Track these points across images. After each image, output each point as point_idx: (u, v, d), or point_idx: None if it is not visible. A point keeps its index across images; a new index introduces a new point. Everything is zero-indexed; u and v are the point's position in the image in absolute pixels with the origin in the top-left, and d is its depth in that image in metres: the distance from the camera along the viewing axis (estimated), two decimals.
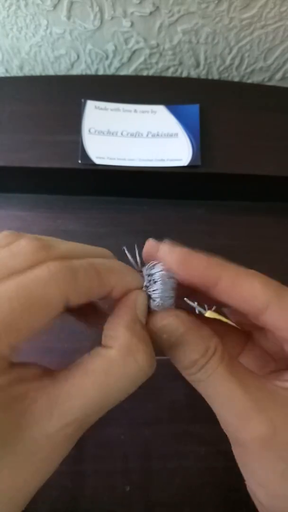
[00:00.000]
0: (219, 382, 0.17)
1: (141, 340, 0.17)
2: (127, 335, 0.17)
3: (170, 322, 0.17)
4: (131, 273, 0.19)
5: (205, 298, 0.19)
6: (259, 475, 0.17)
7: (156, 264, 0.19)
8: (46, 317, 0.15)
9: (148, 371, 0.17)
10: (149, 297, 0.18)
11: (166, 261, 0.18)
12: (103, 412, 0.16)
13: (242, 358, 0.22)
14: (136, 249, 0.19)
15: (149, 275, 0.19)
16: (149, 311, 0.18)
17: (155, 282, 0.18)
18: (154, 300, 0.18)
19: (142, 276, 0.19)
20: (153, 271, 0.18)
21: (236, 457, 0.19)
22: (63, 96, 0.42)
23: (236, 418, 0.17)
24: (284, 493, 0.17)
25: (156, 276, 0.18)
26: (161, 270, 0.18)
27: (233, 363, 0.18)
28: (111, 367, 0.16)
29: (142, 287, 0.19)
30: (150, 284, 0.18)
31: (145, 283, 0.19)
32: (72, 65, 0.50)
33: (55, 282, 0.15)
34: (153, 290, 0.18)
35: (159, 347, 0.18)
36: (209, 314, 0.39)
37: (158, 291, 0.18)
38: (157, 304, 0.18)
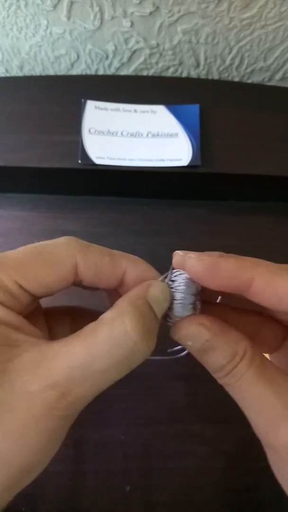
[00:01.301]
0: (248, 386, 0.17)
1: (137, 310, 0.16)
2: (125, 303, 0.17)
3: (193, 330, 0.18)
4: (147, 265, 0.19)
5: (240, 300, 0.19)
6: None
7: (179, 273, 0.19)
8: (54, 270, 0.17)
9: (137, 341, 0.16)
10: (171, 306, 0.18)
11: (194, 271, 0.18)
12: (89, 383, 0.15)
13: (278, 353, 0.22)
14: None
15: (172, 281, 0.19)
16: (173, 320, 0.19)
17: (178, 288, 0.18)
18: (175, 307, 0.18)
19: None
20: (175, 278, 0.19)
21: (269, 459, 0.18)
22: (63, 96, 0.42)
23: (267, 423, 0.16)
24: None
25: (179, 282, 0.18)
26: (184, 278, 0.18)
27: (265, 366, 0.17)
28: (99, 326, 0.16)
29: (158, 277, 0.19)
30: (173, 292, 0.18)
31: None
32: (72, 65, 0.50)
33: (67, 245, 0.17)
34: (176, 297, 0.18)
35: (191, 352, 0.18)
36: None
37: (181, 296, 0.18)
38: (178, 310, 0.18)
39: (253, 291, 0.17)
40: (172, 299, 0.18)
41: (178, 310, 0.18)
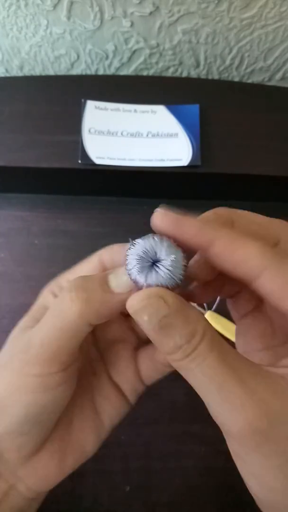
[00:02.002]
0: (210, 372, 0.16)
1: (71, 284, 0.18)
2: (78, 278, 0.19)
3: (151, 303, 0.16)
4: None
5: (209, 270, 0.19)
6: (253, 467, 0.16)
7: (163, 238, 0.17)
8: (75, 340, 0.19)
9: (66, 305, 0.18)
10: (154, 270, 0.17)
11: (156, 226, 0.18)
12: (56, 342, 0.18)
13: (247, 319, 0.21)
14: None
15: (154, 251, 0.17)
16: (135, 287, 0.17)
17: (166, 258, 0.17)
18: (162, 276, 0.17)
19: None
20: (163, 248, 0.17)
21: (229, 448, 0.18)
22: (63, 96, 0.42)
23: (229, 409, 0.16)
24: (279, 486, 0.16)
25: (166, 252, 0.17)
26: (171, 244, 0.17)
27: (225, 349, 0.16)
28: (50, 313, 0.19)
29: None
30: (158, 259, 0.17)
31: (149, 259, 0.17)
32: (72, 65, 0.50)
33: (75, 308, 0.18)
34: (163, 263, 0.17)
35: (143, 329, 0.17)
36: (208, 314, 0.39)
37: (169, 266, 0.17)
38: (164, 280, 0.17)
39: (212, 253, 0.17)
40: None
41: (165, 280, 0.17)
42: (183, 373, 0.17)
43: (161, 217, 0.18)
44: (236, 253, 0.16)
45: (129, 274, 0.17)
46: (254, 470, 0.16)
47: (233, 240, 0.16)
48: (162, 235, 0.18)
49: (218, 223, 0.18)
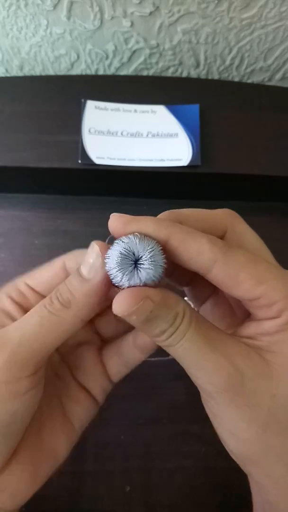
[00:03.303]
0: (189, 344, 0.17)
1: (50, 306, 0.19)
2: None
3: (140, 305, 0.17)
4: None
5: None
6: (228, 423, 0.18)
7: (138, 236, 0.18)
8: (37, 365, 0.19)
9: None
10: (136, 270, 0.17)
11: (113, 226, 0.19)
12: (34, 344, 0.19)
13: (207, 304, 0.24)
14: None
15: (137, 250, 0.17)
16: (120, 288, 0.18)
17: (147, 258, 0.17)
18: (145, 276, 0.17)
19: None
20: (147, 247, 0.17)
21: (207, 410, 0.20)
22: (63, 96, 0.42)
23: (205, 371, 0.18)
24: (252, 438, 0.18)
25: (147, 251, 0.17)
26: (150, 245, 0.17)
27: (200, 323, 0.18)
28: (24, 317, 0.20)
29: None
30: (140, 257, 0.17)
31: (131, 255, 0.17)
32: (72, 65, 0.50)
33: (36, 334, 0.19)
34: (145, 263, 0.17)
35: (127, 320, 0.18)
36: None
37: (151, 265, 0.17)
38: (146, 279, 0.17)
39: (169, 248, 0.18)
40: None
41: (147, 279, 0.17)
42: (167, 349, 0.19)
43: (117, 218, 0.19)
44: (189, 249, 0.18)
45: (110, 275, 0.18)
46: (230, 426, 0.18)
47: (186, 234, 0.18)
48: (141, 233, 0.18)
49: (171, 221, 0.19)
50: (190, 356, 0.18)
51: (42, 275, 0.23)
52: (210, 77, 0.52)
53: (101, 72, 0.51)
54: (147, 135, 0.41)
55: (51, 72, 0.52)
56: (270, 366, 0.18)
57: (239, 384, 0.17)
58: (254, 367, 0.18)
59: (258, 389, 0.17)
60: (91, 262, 0.19)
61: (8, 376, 0.18)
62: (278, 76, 0.52)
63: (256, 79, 0.52)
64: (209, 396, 0.18)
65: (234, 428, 0.18)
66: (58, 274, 0.23)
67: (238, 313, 0.23)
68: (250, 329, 0.19)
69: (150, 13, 0.42)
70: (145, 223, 0.18)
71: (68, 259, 0.23)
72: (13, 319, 0.22)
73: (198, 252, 0.18)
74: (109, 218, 0.20)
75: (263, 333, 0.19)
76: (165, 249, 0.18)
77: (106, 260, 0.18)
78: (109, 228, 0.19)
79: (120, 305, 0.17)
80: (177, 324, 0.17)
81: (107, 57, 0.49)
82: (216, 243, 0.18)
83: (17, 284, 0.24)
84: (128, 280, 0.17)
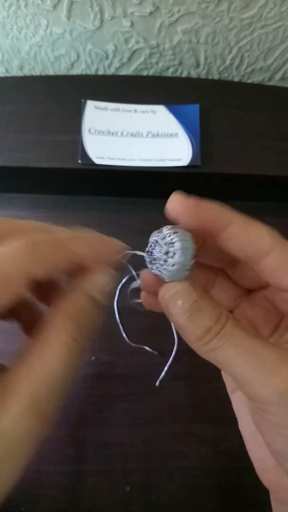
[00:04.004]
0: (240, 342, 0.17)
1: (79, 329, 0.17)
2: (64, 320, 0.17)
3: (183, 288, 0.18)
4: (105, 242, 0.20)
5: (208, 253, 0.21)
6: (282, 425, 0.17)
7: (174, 231, 0.18)
8: (7, 292, 0.15)
9: (85, 344, 0.17)
10: (161, 267, 0.19)
11: (177, 210, 0.19)
12: (54, 391, 0.16)
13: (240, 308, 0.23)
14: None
15: (166, 246, 0.19)
16: (162, 282, 0.19)
17: (174, 253, 0.18)
18: (170, 268, 0.18)
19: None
20: (173, 239, 0.18)
21: (254, 416, 0.19)
22: (63, 96, 0.42)
23: (260, 373, 0.17)
24: None
25: (176, 245, 0.18)
26: (179, 239, 0.18)
27: (244, 328, 0.18)
28: (45, 348, 0.16)
29: (120, 254, 0.19)
30: (168, 252, 0.18)
31: (163, 251, 0.19)
32: (72, 65, 0.50)
33: (13, 256, 0.16)
34: (171, 259, 0.18)
35: (172, 318, 0.18)
36: None
37: (177, 258, 0.18)
38: (172, 274, 0.18)
39: (228, 232, 0.19)
40: (167, 263, 0.18)
41: (174, 274, 0.18)
42: (212, 355, 0.18)
43: (179, 201, 0.19)
44: (250, 234, 0.18)
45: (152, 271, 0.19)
46: (282, 428, 0.17)
47: (247, 221, 0.19)
48: (174, 225, 0.19)
49: (231, 209, 0.19)
50: (243, 356, 0.17)
51: None
52: (210, 77, 0.52)
53: (101, 72, 0.51)
54: (147, 135, 0.41)
55: (51, 72, 0.52)
56: None
57: None
58: None
59: None
60: (106, 290, 0.19)
61: None
62: (278, 76, 0.52)
63: (256, 79, 0.52)
64: (263, 399, 0.17)
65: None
66: (18, 296, 0.17)
67: (275, 318, 0.22)
68: None
69: (150, 13, 0.42)
70: (207, 210, 0.19)
71: (78, 244, 0.19)
72: None
73: (258, 236, 0.18)
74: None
75: None
76: (221, 236, 0.19)
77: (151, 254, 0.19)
78: (170, 208, 0.19)
79: (162, 291, 0.18)
80: (222, 323, 0.17)
81: (107, 57, 0.49)
82: (274, 233, 0.19)
83: None
84: (166, 275, 0.19)
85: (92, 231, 0.20)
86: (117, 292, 0.39)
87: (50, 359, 0.16)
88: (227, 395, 0.22)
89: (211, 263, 0.23)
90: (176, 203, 0.19)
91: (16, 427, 0.15)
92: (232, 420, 0.32)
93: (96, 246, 0.19)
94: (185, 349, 0.33)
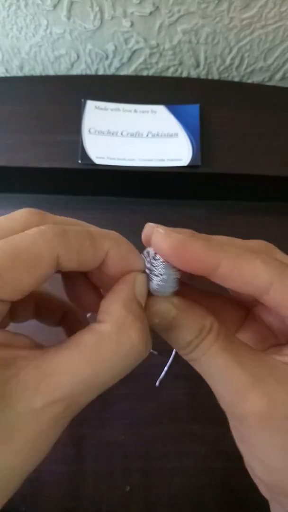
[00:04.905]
0: (214, 359, 0.17)
1: (137, 318, 0.16)
2: (123, 311, 0.16)
3: (160, 307, 0.18)
4: (129, 244, 0.19)
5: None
6: (258, 449, 0.17)
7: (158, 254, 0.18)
8: (35, 271, 0.15)
9: (142, 349, 0.16)
10: (148, 281, 0.18)
11: (161, 249, 0.17)
12: (94, 392, 0.15)
13: (241, 333, 0.22)
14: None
15: (151, 264, 0.18)
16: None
17: (159, 274, 0.18)
18: (155, 288, 0.18)
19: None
20: (155, 263, 0.18)
21: (234, 433, 0.19)
22: (63, 96, 0.42)
23: (234, 393, 0.16)
24: (283, 466, 0.17)
25: (159, 268, 0.18)
26: (163, 261, 0.18)
27: (230, 339, 0.17)
28: (103, 342, 0.15)
29: (141, 260, 0.19)
30: (152, 270, 0.18)
31: (147, 266, 0.18)
32: (72, 65, 0.50)
33: (44, 237, 0.15)
34: (155, 277, 0.18)
35: (155, 330, 0.18)
36: None
37: (160, 281, 0.18)
38: (157, 292, 0.18)
39: (219, 274, 0.17)
40: (150, 281, 0.18)
41: (158, 291, 0.18)
42: (192, 363, 0.18)
43: (163, 239, 0.17)
44: (243, 272, 0.17)
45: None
46: (258, 452, 0.17)
47: (237, 258, 0.17)
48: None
49: (220, 243, 0.18)
50: (215, 372, 0.17)
51: (18, 282, 0.15)
52: (210, 77, 0.52)
53: (101, 72, 0.51)
54: (147, 135, 0.41)
55: (51, 72, 0.52)
56: None
57: (270, 408, 0.16)
58: None
59: None
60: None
61: None
62: (278, 76, 0.52)
63: (256, 79, 0.52)
64: (238, 420, 0.17)
65: (264, 456, 0.17)
66: (46, 276, 0.16)
67: (281, 336, 0.21)
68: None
69: (150, 13, 0.42)
70: (193, 251, 0.17)
71: (115, 250, 0.18)
72: (7, 345, 0.17)
73: (252, 275, 0.17)
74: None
75: None
76: (214, 277, 0.17)
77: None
78: (154, 245, 0.18)
79: (147, 303, 0.18)
80: (202, 337, 0.17)
81: (107, 57, 0.49)
82: (270, 263, 0.17)
83: None
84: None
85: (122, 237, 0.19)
86: None
87: (97, 364, 0.15)
88: None
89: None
90: (159, 239, 0.17)
91: (33, 419, 0.14)
92: None
93: (121, 245, 0.18)
94: None
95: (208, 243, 0.17)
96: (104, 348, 0.15)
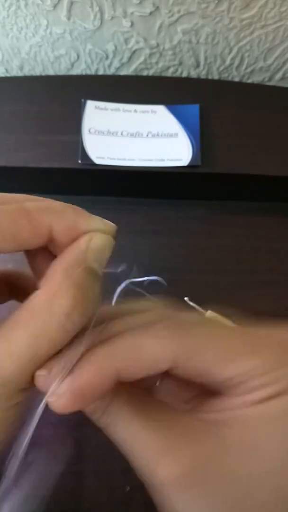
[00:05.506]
0: (122, 426, 0.15)
1: (74, 285, 0.15)
2: (59, 277, 0.15)
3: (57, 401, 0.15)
4: (77, 212, 0.17)
5: None
6: None
7: None
8: None
9: (77, 319, 0.15)
10: None
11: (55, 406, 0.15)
12: (32, 366, 0.14)
13: (163, 384, 0.20)
14: None
15: None
16: None
17: None
18: None
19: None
20: None
21: (155, 501, 0.16)
22: (63, 96, 0.42)
23: (147, 461, 0.15)
24: None
25: None
26: None
27: (139, 400, 0.16)
28: (36, 314, 0.14)
29: (96, 220, 0.17)
30: None
31: None
32: (72, 65, 0.50)
33: None
34: None
35: None
36: (209, 313, 0.39)
37: None
38: None
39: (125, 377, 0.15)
40: None
41: None
42: (105, 431, 0.16)
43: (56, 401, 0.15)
44: (142, 367, 0.15)
45: None
46: None
47: (130, 358, 0.15)
48: None
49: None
50: (127, 439, 0.15)
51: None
52: (210, 77, 0.52)
53: (101, 72, 0.51)
54: (147, 135, 0.41)
55: (51, 72, 0.52)
56: (228, 445, 0.15)
57: (187, 473, 0.14)
58: (208, 448, 0.15)
59: (215, 473, 0.15)
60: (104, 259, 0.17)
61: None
62: (278, 76, 0.52)
63: (256, 79, 0.52)
64: (155, 490, 0.15)
65: None
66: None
67: (194, 388, 0.19)
68: (210, 405, 0.17)
69: (150, 13, 0.42)
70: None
71: (60, 222, 0.16)
72: None
73: (153, 361, 0.15)
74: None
75: (228, 408, 0.16)
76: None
77: None
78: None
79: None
80: (108, 399, 0.16)
81: (107, 57, 0.49)
82: (170, 343, 0.15)
83: None
84: None
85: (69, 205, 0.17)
86: (117, 293, 0.39)
87: (32, 340, 0.14)
88: None
89: None
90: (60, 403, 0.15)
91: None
92: None
93: (66, 216, 0.16)
94: None
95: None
96: (37, 320, 0.14)
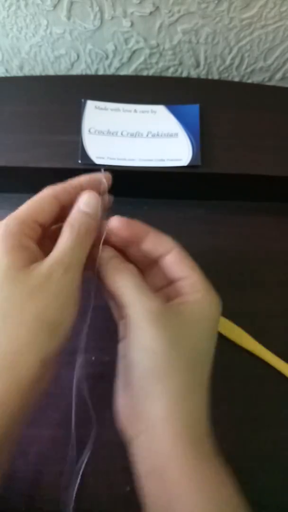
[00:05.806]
0: (114, 268, 0.27)
1: (67, 225, 0.28)
2: (69, 218, 0.30)
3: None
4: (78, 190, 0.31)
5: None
6: (145, 339, 0.24)
7: None
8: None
9: (75, 252, 0.26)
10: None
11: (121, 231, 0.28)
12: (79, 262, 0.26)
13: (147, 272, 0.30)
14: None
15: None
16: None
17: None
18: None
19: None
20: None
21: (122, 332, 0.26)
22: (63, 96, 0.42)
23: (133, 294, 0.25)
24: (160, 350, 0.23)
25: None
26: None
27: (132, 267, 0.27)
28: (64, 238, 0.27)
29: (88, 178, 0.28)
30: None
31: None
32: (72, 65, 0.50)
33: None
34: None
35: None
36: None
37: None
38: None
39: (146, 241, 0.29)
40: None
41: None
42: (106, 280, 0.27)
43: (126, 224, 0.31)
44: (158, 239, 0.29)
45: None
46: (146, 341, 0.24)
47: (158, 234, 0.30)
48: None
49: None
50: (117, 278, 0.26)
51: (42, 208, 0.29)
52: (210, 77, 0.52)
53: (101, 72, 0.51)
54: (147, 135, 0.41)
55: (51, 72, 0.52)
56: (181, 311, 0.25)
57: (164, 310, 0.24)
58: (173, 307, 0.25)
59: (177, 320, 0.24)
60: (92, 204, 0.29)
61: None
62: (278, 76, 0.52)
63: (256, 79, 0.52)
64: (136, 316, 0.24)
65: (148, 344, 0.23)
66: (53, 204, 0.29)
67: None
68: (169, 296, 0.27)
69: (150, 13, 0.42)
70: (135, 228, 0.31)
71: (62, 192, 0.31)
72: (38, 256, 0.26)
73: (164, 241, 0.29)
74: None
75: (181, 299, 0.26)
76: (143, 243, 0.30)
77: None
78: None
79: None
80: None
81: (107, 57, 0.49)
82: (176, 243, 0.29)
83: (24, 221, 0.28)
84: None
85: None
86: None
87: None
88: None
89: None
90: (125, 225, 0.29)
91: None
92: (232, 420, 0.32)
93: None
94: None
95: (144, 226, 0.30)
96: (66, 242, 0.26)
